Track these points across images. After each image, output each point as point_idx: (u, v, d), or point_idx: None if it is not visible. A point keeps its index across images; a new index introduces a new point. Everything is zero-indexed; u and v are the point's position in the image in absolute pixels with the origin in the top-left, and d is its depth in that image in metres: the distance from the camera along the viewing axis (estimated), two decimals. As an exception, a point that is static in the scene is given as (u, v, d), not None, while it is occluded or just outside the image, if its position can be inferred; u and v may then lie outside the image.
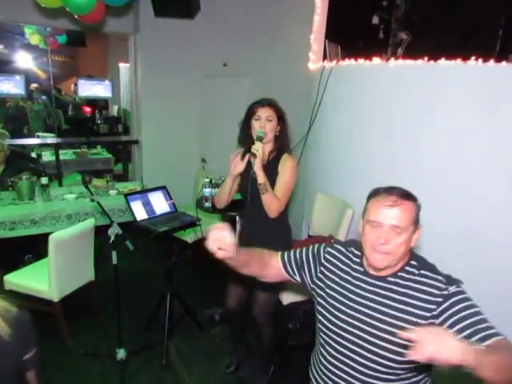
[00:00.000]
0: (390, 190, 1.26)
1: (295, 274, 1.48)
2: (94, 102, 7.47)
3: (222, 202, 2.28)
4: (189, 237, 3.70)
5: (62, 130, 7.01)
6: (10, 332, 1.21)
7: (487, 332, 1.11)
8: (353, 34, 3.89)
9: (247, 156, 2.07)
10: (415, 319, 1.22)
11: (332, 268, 1.42)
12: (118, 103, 7.54)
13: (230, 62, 4.85)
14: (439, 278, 1.24)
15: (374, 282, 1.31)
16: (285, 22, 4.79)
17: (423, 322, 1.20)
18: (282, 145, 2.14)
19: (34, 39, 6.11)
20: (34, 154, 5.30)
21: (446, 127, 2.34)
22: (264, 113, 2.07)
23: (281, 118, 2.12)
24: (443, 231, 2.36)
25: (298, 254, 1.49)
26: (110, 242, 2.38)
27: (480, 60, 2.23)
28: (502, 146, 2.17)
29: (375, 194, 1.28)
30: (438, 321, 1.19)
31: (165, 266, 2.90)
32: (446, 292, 1.21)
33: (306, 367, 1.57)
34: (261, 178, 2.01)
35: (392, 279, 1.29)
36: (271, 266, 1.50)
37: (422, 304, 1.22)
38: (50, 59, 6.81)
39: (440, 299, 1.20)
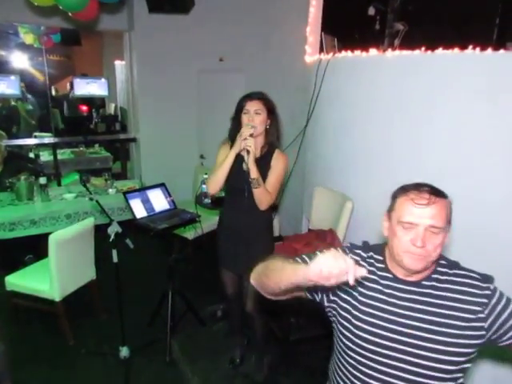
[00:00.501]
0: (420, 187, 1.16)
1: (317, 293, 1.29)
2: (90, 101, 7.44)
3: (219, 185, 2.20)
4: (189, 233, 3.69)
5: (59, 129, 6.98)
6: None
7: None
8: (349, 25, 3.87)
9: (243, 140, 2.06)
10: (460, 323, 1.14)
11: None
12: (114, 101, 7.51)
13: (226, 56, 4.83)
14: (474, 275, 1.19)
15: (407, 288, 1.19)
16: (280, 15, 4.75)
17: (469, 324, 1.14)
18: (273, 139, 2.16)
19: (28, 38, 6.07)
20: (31, 155, 5.28)
21: (445, 117, 2.32)
22: (253, 106, 2.08)
23: (271, 112, 2.12)
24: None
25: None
26: (110, 240, 2.37)
27: (478, 49, 2.22)
28: (502, 134, 2.15)
29: (404, 191, 1.18)
30: (486, 324, 1.14)
31: (166, 264, 2.90)
32: (487, 292, 1.16)
33: (308, 361, 1.56)
34: (254, 173, 2.03)
35: (427, 283, 1.19)
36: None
37: (466, 306, 1.15)
38: (46, 59, 6.77)
39: (485, 300, 1.15)
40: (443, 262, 1.23)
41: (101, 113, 7.34)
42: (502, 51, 2.15)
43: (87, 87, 5.06)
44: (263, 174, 2.10)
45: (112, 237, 2.36)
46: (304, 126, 3.37)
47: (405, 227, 1.14)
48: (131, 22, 4.52)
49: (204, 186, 3.04)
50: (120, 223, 2.45)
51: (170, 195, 2.93)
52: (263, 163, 2.12)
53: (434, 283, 1.19)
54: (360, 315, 1.21)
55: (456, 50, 2.27)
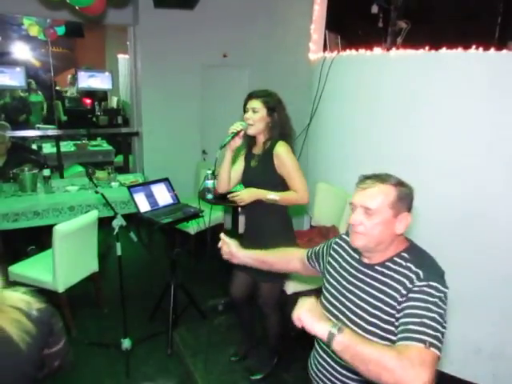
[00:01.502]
0: (373, 175, 1.30)
1: (315, 265, 1.58)
2: (92, 94, 7.44)
3: (224, 184, 2.26)
4: (191, 228, 3.72)
5: (61, 121, 7.00)
6: (33, 332, 1.11)
7: (411, 335, 1.07)
8: (352, 23, 3.88)
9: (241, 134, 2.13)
10: (386, 308, 1.22)
11: (336, 257, 1.47)
12: (117, 95, 7.51)
13: (229, 52, 4.83)
14: (419, 272, 1.20)
15: (363, 269, 1.34)
16: (285, 12, 4.75)
17: (391, 311, 1.21)
18: (275, 135, 2.14)
19: (33, 30, 6.05)
20: (34, 146, 5.30)
21: (447, 115, 2.35)
22: (250, 104, 2.12)
23: (272, 110, 2.11)
24: (443, 218, 2.38)
25: (318, 248, 1.58)
26: (115, 233, 2.40)
27: (480, 48, 2.23)
28: (503, 132, 2.18)
29: (361, 179, 1.33)
30: (398, 313, 1.18)
31: (168, 257, 2.93)
32: (411, 286, 1.18)
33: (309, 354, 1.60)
34: (272, 198, 2.11)
35: (379, 268, 1.29)
36: (296, 259, 1.63)
37: (393, 293, 1.22)
38: (50, 51, 6.77)
39: (405, 292, 1.19)
40: (405, 255, 1.27)
41: (103, 106, 7.35)
42: (504, 51, 2.18)
43: (90, 80, 5.06)
44: (268, 168, 2.13)
45: (116, 230, 2.39)
46: (307, 124, 3.39)
47: (351, 208, 1.32)
48: (136, 17, 4.52)
49: (207, 181, 3.06)
50: (123, 217, 2.47)
51: (173, 190, 2.95)
52: (266, 158, 2.14)
53: (383, 269, 1.28)
54: (327, 285, 1.45)
55: (459, 50, 2.29)
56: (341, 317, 1.33)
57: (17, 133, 4.95)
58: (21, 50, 7.68)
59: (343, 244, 1.48)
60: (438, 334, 1.08)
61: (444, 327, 1.11)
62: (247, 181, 2.25)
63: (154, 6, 4.10)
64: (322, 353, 1.44)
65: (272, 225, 2.22)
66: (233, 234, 2.94)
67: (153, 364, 2.66)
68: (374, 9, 4.06)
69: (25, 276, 2.90)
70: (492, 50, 2.21)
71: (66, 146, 5.81)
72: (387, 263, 1.29)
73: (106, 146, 6.12)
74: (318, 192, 3.14)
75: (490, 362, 2.37)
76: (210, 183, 3.05)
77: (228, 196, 2.25)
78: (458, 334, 2.35)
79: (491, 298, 2.31)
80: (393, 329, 1.20)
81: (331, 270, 1.46)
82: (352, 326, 1.27)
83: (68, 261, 2.82)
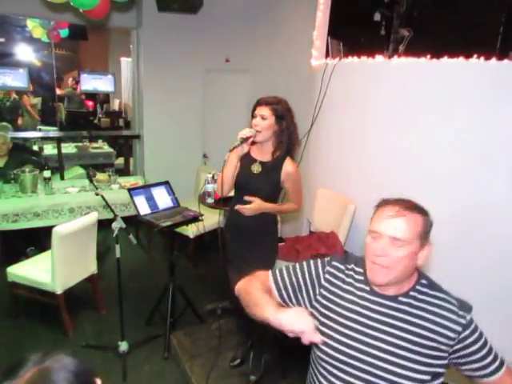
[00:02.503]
0: (396, 201, 1.18)
1: (291, 300, 1.31)
2: (94, 96, 7.48)
3: (228, 186, 2.24)
4: (191, 231, 3.72)
5: (62, 123, 7.02)
6: None
7: (492, 367, 1.19)
8: (355, 30, 3.90)
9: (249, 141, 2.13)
10: (430, 343, 1.15)
11: (333, 289, 1.27)
12: (119, 97, 7.54)
13: (232, 57, 4.86)
14: (453, 301, 1.19)
15: (383, 301, 1.20)
16: (287, 18, 4.78)
17: (442, 347, 1.15)
18: (283, 144, 2.14)
19: (37, 32, 6.10)
20: (35, 147, 5.32)
21: (448, 124, 2.36)
22: (259, 111, 2.11)
23: (281, 117, 2.11)
24: (443, 229, 2.38)
25: (293, 278, 1.31)
26: (114, 235, 2.40)
27: (482, 58, 2.25)
28: (503, 143, 2.19)
29: (382, 204, 1.20)
30: (451, 349, 1.16)
31: (167, 260, 2.93)
32: (463, 321, 1.16)
33: (306, 363, 1.56)
34: (270, 210, 2.20)
35: (404, 299, 1.19)
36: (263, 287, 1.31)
37: (439, 329, 1.15)
38: (53, 53, 6.81)
39: (458, 328, 1.15)
40: (424, 281, 1.22)
41: (105, 108, 7.38)
42: (505, 61, 2.19)
43: (93, 82, 5.08)
44: (273, 179, 2.14)
45: (116, 232, 2.39)
46: (308, 129, 3.40)
47: (372, 236, 1.17)
48: (140, 20, 4.55)
49: (207, 185, 3.07)
50: (122, 219, 2.47)
51: (173, 193, 2.95)
52: (274, 168, 2.14)
53: (411, 301, 1.19)
54: (332, 324, 1.23)
55: (461, 59, 2.30)
56: (369, 359, 1.17)
57: (18, 134, 4.97)
58: (24, 52, 7.73)
59: (337, 273, 1.29)
60: (497, 352, 1.20)
61: None
62: (245, 184, 2.21)
63: (158, 10, 4.13)
64: None
65: (260, 224, 2.24)
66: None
67: (150, 367, 2.65)
68: (377, 16, 4.08)
69: (23, 277, 2.89)
70: (493, 60, 2.22)
71: (68, 148, 5.83)
72: (412, 293, 1.20)
73: (107, 148, 6.15)
74: (318, 198, 3.15)
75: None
76: (210, 187, 3.07)
77: (236, 207, 2.22)
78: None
79: (491, 309, 2.31)
80: (436, 362, 1.16)
81: (331, 305, 1.25)
82: (388, 367, 1.15)
83: (67, 262, 2.82)
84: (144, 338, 2.81)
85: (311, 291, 1.29)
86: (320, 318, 1.26)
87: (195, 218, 2.79)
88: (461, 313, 1.16)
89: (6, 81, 4.66)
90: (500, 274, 2.26)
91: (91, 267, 3.10)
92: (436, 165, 2.41)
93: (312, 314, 1.26)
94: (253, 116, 2.14)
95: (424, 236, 1.16)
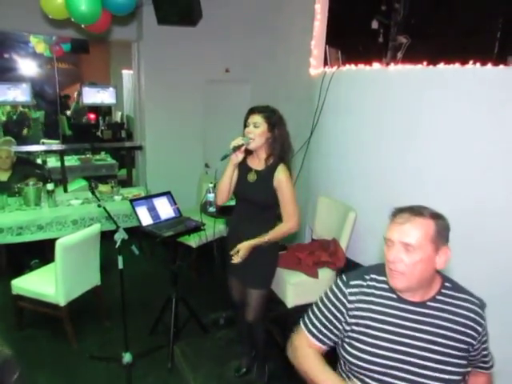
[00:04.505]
0: (407, 208, 1.20)
1: (331, 340, 1.33)
2: (96, 109, 7.56)
3: (223, 196, 2.26)
4: (193, 241, 3.73)
5: (65, 136, 7.10)
6: None
7: (483, 364, 1.29)
8: (352, 38, 3.93)
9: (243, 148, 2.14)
10: (461, 345, 1.19)
11: (361, 306, 1.28)
12: (121, 109, 7.61)
13: (231, 68, 4.91)
14: (476, 301, 1.25)
15: (412, 308, 1.22)
16: (285, 28, 4.84)
17: (469, 347, 1.22)
18: (275, 152, 2.16)
19: (40, 48, 6.20)
20: (39, 161, 5.37)
21: (446, 131, 2.37)
22: (252, 119, 2.13)
23: (273, 125, 2.13)
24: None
25: (322, 319, 1.33)
26: (116, 246, 2.41)
27: (478, 64, 2.26)
28: (502, 148, 2.19)
29: (395, 212, 1.23)
30: (473, 348, 1.24)
31: (170, 271, 2.94)
32: (482, 321, 1.24)
33: None
34: (267, 240, 2.15)
35: (432, 304, 1.22)
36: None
37: (468, 331, 1.21)
38: (56, 67, 6.90)
39: (480, 328, 1.23)
40: (448, 284, 1.26)
41: (107, 120, 7.45)
42: (501, 66, 2.20)
43: (96, 95, 5.15)
44: (267, 186, 2.14)
45: (118, 243, 2.40)
46: (308, 137, 3.42)
47: (387, 245, 1.21)
48: (140, 33, 4.62)
49: (209, 194, 3.09)
50: (125, 230, 2.49)
51: (175, 203, 2.97)
52: (267, 176, 2.15)
53: (439, 305, 1.22)
54: (364, 338, 1.25)
55: (457, 65, 2.32)
56: (405, 367, 1.20)
57: (22, 147, 5.03)
58: (28, 67, 7.84)
59: (358, 290, 1.29)
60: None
61: None
62: (243, 193, 2.24)
63: (158, 22, 4.19)
64: None
65: (261, 233, 2.20)
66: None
67: (154, 378, 2.65)
68: (374, 24, 4.12)
69: (27, 289, 2.91)
70: (489, 66, 2.24)
71: (71, 160, 5.89)
72: (438, 297, 1.23)
73: (109, 160, 6.20)
74: (319, 205, 3.16)
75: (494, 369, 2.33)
76: (211, 196, 3.08)
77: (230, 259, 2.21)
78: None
79: (491, 315, 2.29)
80: (462, 362, 1.22)
81: (362, 321, 1.26)
82: (424, 372, 1.19)
83: (70, 274, 2.83)
84: (148, 349, 2.81)
85: (342, 320, 1.30)
86: (352, 334, 1.28)
87: (197, 228, 2.81)
88: (481, 312, 1.24)
89: (9, 95, 4.73)
90: (501, 280, 2.25)
91: (94, 279, 3.12)
92: (435, 170, 2.41)
93: (346, 337, 1.29)
94: (245, 125, 2.16)
95: (438, 240, 1.17)
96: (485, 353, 1.30)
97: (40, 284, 2.91)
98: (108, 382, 2.60)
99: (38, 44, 6.15)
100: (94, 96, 5.13)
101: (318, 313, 1.35)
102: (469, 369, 1.25)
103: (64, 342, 2.90)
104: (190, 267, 3.97)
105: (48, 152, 5.55)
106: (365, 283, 1.30)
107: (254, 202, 2.19)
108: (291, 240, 3.89)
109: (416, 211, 1.18)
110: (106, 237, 3.15)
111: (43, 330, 3.06)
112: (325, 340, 1.33)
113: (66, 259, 2.76)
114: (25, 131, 6.88)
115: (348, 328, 1.29)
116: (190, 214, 3.05)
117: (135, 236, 2.80)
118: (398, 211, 1.21)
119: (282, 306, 2.76)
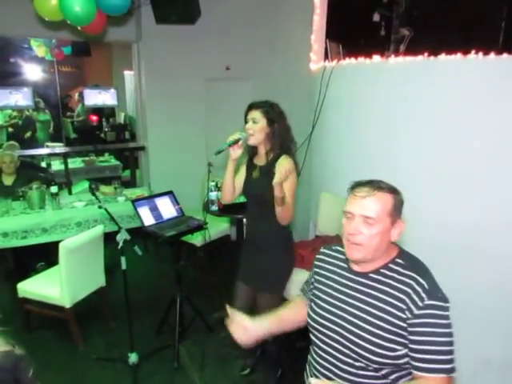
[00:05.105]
0: (367, 182, 1.26)
1: (306, 295, 1.53)
2: (100, 110, 7.58)
3: (228, 193, 2.26)
4: (197, 240, 3.73)
5: (69, 139, 7.14)
6: None
7: (432, 366, 1.13)
8: (354, 32, 3.89)
9: (240, 143, 2.13)
10: (392, 319, 1.20)
11: (321, 271, 1.43)
12: (124, 110, 7.63)
13: (232, 65, 4.89)
14: (423, 283, 1.19)
15: (356, 278, 1.30)
16: (285, 24, 4.80)
17: (399, 322, 1.19)
18: (276, 146, 2.14)
19: (41, 51, 6.23)
20: (43, 164, 5.40)
21: (448, 124, 2.33)
22: (251, 115, 2.14)
23: (272, 120, 2.12)
24: (444, 227, 2.35)
25: (308, 277, 1.53)
26: (119, 247, 2.41)
27: (480, 54, 2.22)
28: (505, 140, 2.15)
29: (354, 186, 1.28)
30: (407, 327, 1.18)
31: (174, 270, 2.94)
32: (420, 303, 1.16)
33: None
34: (278, 191, 1.96)
35: (374, 276, 1.27)
36: (303, 308, 1.49)
37: (397, 303, 1.20)
38: (57, 70, 6.94)
39: (414, 308, 1.16)
40: (400, 261, 1.27)
41: (110, 122, 7.47)
42: (504, 55, 2.16)
43: (97, 97, 5.16)
44: (267, 180, 2.10)
45: (121, 244, 2.40)
46: (309, 133, 3.40)
47: (346, 217, 1.26)
48: (139, 33, 4.61)
49: (211, 193, 3.08)
50: (129, 230, 2.49)
51: (177, 203, 2.97)
52: (268, 170, 2.14)
53: (380, 277, 1.26)
54: (316, 299, 1.39)
55: (459, 56, 2.28)
56: (339, 330, 1.28)
57: (26, 151, 5.06)
58: (30, 71, 7.90)
59: (324, 257, 1.45)
60: (454, 356, 1.13)
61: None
62: (249, 191, 2.26)
63: (156, 22, 4.18)
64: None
65: (271, 233, 2.20)
66: (238, 244, 2.94)
67: (160, 378, 2.65)
68: (376, 17, 4.07)
69: (33, 292, 2.93)
70: (492, 55, 2.19)
71: (75, 163, 5.91)
72: (382, 270, 1.27)
73: (113, 161, 6.21)
74: (322, 202, 3.13)
75: (498, 375, 2.30)
76: (213, 195, 3.07)
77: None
78: (466, 347, 2.29)
79: (496, 313, 2.26)
80: (398, 339, 1.19)
81: (318, 284, 1.42)
82: (354, 339, 1.24)
83: (75, 276, 2.84)
84: (153, 349, 2.81)
85: (311, 281, 1.47)
86: (315, 292, 1.42)
87: (200, 227, 2.80)
88: (423, 295, 1.17)
89: (11, 100, 4.76)
90: (508, 279, 2.22)
91: (99, 280, 3.12)
92: (437, 164, 2.38)
93: (312, 292, 1.45)
94: (245, 121, 2.17)
95: (394, 213, 1.23)
96: (416, 347, 1.17)
97: (45, 287, 2.93)
98: (114, 383, 2.61)
99: (39, 48, 6.18)
100: (95, 97, 5.15)
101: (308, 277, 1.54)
102: (406, 358, 1.19)
103: (71, 343, 2.91)
104: (194, 266, 3.97)
105: (52, 155, 5.57)
106: (330, 252, 1.45)
107: (258, 199, 2.17)
108: (295, 236, 3.87)
109: (376, 185, 1.23)
110: (110, 238, 3.15)
111: (50, 332, 3.08)
112: (305, 295, 1.52)
113: (70, 261, 2.77)
114: (31, 134, 6.93)
115: (312, 287, 1.46)
116: (193, 213, 3.05)
117: (140, 236, 2.80)
118: (357, 185, 1.26)
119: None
